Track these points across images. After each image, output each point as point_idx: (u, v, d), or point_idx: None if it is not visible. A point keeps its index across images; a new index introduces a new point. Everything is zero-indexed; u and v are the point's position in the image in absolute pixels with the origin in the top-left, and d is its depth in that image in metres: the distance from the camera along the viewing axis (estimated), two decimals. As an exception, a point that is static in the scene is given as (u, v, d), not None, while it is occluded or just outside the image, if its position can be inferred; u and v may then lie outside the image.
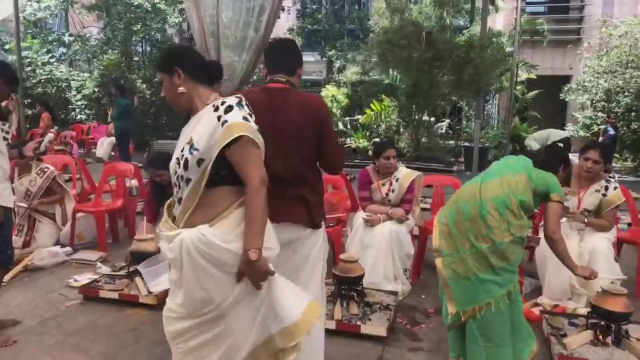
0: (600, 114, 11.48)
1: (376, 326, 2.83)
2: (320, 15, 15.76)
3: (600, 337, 2.69)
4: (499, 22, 15.81)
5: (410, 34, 10.36)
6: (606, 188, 3.43)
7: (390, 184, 3.74)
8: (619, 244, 3.70)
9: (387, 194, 3.74)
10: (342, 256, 3.19)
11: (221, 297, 1.66)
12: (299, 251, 2.06)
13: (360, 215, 3.73)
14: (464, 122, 13.43)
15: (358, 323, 2.86)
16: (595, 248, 3.22)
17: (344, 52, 14.11)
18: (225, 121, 1.65)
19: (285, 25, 15.07)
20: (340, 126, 13.34)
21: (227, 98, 1.75)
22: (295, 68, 2.16)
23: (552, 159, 2.67)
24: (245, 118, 1.68)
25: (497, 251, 2.39)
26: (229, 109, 1.68)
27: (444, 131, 13.59)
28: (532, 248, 3.68)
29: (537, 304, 3.30)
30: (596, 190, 3.45)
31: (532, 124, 13.76)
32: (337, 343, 2.75)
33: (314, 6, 15.91)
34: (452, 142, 13.00)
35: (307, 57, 16.11)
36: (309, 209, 2.07)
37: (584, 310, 2.99)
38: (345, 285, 3.07)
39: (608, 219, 3.45)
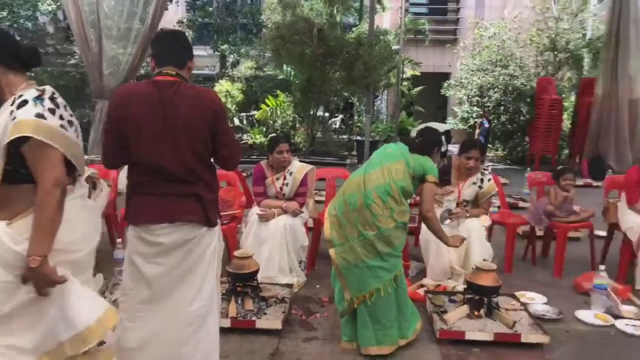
0: (475, 108, 12.56)
1: (271, 320, 2.86)
2: (211, 9, 15.35)
3: (475, 310, 2.97)
4: (385, 21, 16.61)
5: (302, 30, 10.51)
6: (482, 180, 3.76)
7: (284, 178, 3.78)
8: (490, 225, 4.09)
9: (281, 188, 3.77)
10: (236, 253, 3.17)
11: (2, 300, 1.57)
12: (194, 251, 2.00)
13: (255, 211, 3.72)
14: (356, 117, 13.94)
15: (253, 318, 2.86)
16: (471, 230, 3.53)
17: (237, 47, 13.89)
18: (15, 117, 1.55)
19: (174, 17, 14.45)
20: (236, 122, 13.15)
21: (28, 91, 1.62)
22: (185, 61, 2.07)
23: (426, 143, 2.89)
24: (39, 115, 1.56)
25: (382, 237, 2.55)
26: (23, 103, 1.57)
27: (337, 126, 13.99)
28: (417, 233, 3.96)
29: (422, 285, 3.55)
30: (473, 183, 3.77)
31: (417, 118, 14.69)
32: (232, 340, 2.73)
33: (204, -1, 15.46)
34: (345, 136, 13.43)
35: (199, 51, 15.58)
36: (203, 206, 2.01)
37: (461, 288, 3.27)
38: (240, 282, 3.05)
39: (484, 207, 3.81)
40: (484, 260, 3.28)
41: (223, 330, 2.68)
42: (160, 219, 1.94)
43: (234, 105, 12.30)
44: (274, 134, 11.60)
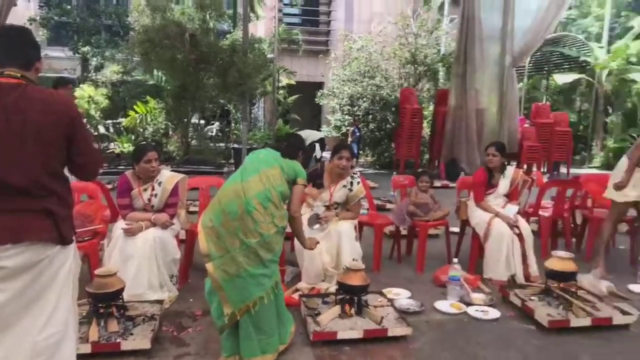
0: (347, 116, 13.20)
1: (139, 340, 2.68)
2: (70, 7, 14.10)
3: (347, 309, 3.10)
4: (260, 29, 16.74)
5: (173, 34, 10.14)
6: (351, 184, 3.94)
7: (153, 189, 3.59)
8: (360, 227, 4.31)
9: (149, 200, 3.58)
10: (97, 271, 2.92)
11: None
12: (44, 273, 1.79)
13: (120, 225, 3.47)
14: (233, 125, 13.81)
15: (118, 340, 2.66)
16: (341, 232, 3.68)
17: (101, 49, 12.93)
18: None
19: (25, 14, 13.02)
20: (102, 130, 12.21)
21: None
22: (32, 61, 1.86)
23: (292, 148, 2.99)
24: None
25: (265, 244, 2.54)
26: None
27: (214, 134, 13.72)
28: (293, 238, 4.02)
29: (297, 290, 3.61)
30: (343, 186, 3.95)
31: (293, 126, 15.00)
32: (95, 367, 2.52)
33: (60, -5, 14.14)
34: (222, 144, 13.22)
35: (56, 52, 14.18)
36: (56, 223, 1.80)
37: (333, 289, 3.39)
38: (103, 302, 2.82)
39: (354, 209, 4.00)
40: (354, 260, 3.45)
41: (83, 357, 2.47)
42: (1, 239, 1.72)
43: (98, 112, 11.40)
44: (140, 143, 11.00)
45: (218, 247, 2.52)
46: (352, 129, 12.44)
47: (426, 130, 12.19)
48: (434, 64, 12.62)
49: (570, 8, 16.09)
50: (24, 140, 1.74)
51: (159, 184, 3.60)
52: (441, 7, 16.73)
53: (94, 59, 13.07)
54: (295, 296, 3.46)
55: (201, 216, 2.70)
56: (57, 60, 13.85)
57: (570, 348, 2.92)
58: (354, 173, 4.08)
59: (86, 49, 13.02)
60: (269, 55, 13.06)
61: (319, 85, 16.48)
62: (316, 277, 3.66)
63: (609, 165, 12.28)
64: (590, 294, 3.56)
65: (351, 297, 3.12)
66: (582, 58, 14.26)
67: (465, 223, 4.52)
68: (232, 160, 11.86)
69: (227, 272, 2.50)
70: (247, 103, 11.37)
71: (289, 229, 2.88)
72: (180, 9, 11.13)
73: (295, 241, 3.77)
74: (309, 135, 10.19)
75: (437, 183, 8.31)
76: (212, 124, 13.76)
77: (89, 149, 1.96)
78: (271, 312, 2.63)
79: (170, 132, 12.07)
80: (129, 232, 3.35)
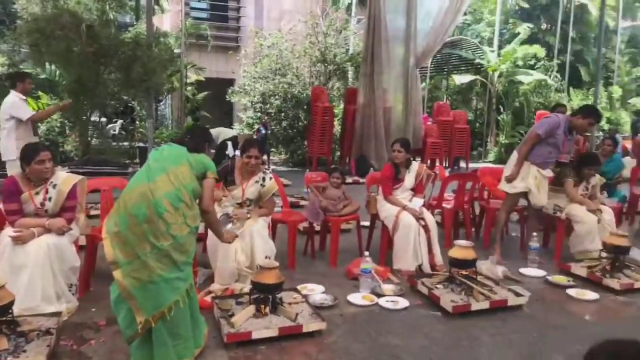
0: (259, 114, 13.08)
1: (33, 357, 2.44)
2: (-58, -10, 12.54)
3: (261, 308, 3.07)
4: (166, 23, 16.05)
5: (68, 25, 9.35)
6: (263, 179, 3.92)
7: (46, 192, 3.29)
8: (273, 224, 4.29)
9: (42, 204, 3.27)
10: (-19, 285, 2.62)
11: None
12: None
13: (7, 233, 3.14)
14: (138, 123, 13.11)
15: (9, 359, 2.41)
16: (253, 229, 3.62)
17: (-19, 39, 11.63)
18: None
19: None
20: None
21: None
22: None
23: (198, 141, 2.88)
24: None
25: (178, 246, 2.43)
26: None
27: (117, 132, 12.94)
28: (205, 239, 3.90)
29: (210, 292, 3.51)
30: (256, 182, 3.90)
31: (204, 124, 14.57)
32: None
33: None
34: (126, 143, 12.50)
35: None
36: None
37: (248, 289, 3.33)
38: (-11, 319, 2.54)
39: (267, 206, 3.97)
40: (267, 257, 3.42)
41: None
42: None
43: (-21, 109, 10.24)
44: (28, 143, 10.07)
45: (126, 252, 2.37)
46: (258, 127, 12.38)
47: (337, 128, 12.44)
48: (343, 63, 12.89)
49: (465, 14, 17.24)
50: None
51: (54, 186, 3.31)
52: (349, 8, 17.16)
53: (-27, 49, 11.72)
54: (208, 298, 3.36)
55: (105, 221, 2.51)
56: None
57: (472, 330, 3.13)
58: (265, 169, 4.06)
59: (-36, 37, 11.65)
60: (176, 50, 12.56)
61: (230, 82, 16.17)
62: (230, 277, 3.59)
63: (501, 159, 13.37)
64: (488, 278, 3.86)
65: (265, 296, 3.09)
66: (476, 60, 15.37)
67: (375, 217, 4.67)
68: (137, 160, 11.25)
69: (138, 279, 2.35)
70: (152, 100, 10.83)
71: (200, 230, 2.79)
72: (75, -3, 10.31)
73: (208, 242, 3.68)
74: (221, 132, 9.92)
75: (349, 179, 8.50)
76: (115, 122, 12.96)
77: None
78: (186, 315, 2.53)
79: (67, 131, 11.17)
80: (19, 240, 3.04)
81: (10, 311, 2.62)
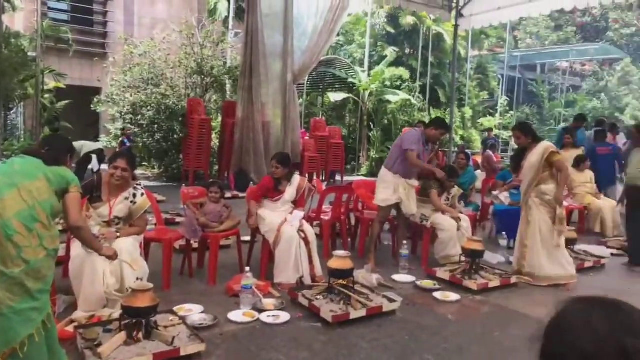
0: (129, 125, 12.26)
1: None
2: None
3: (134, 334, 2.84)
4: (18, 23, 14.39)
5: None
6: (134, 195, 3.65)
7: None
8: (146, 243, 4.01)
9: None
10: None
11: None
12: None
13: None
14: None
15: None
16: (122, 250, 3.34)
17: None
18: None
19: None
20: None
21: None
22: None
23: (57, 151, 2.61)
24: None
25: (32, 272, 2.11)
26: None
27: (-45, 143, 11.17)
28: (66, 262, 3.52)
29: (72, 321, 3.16)
30: (125, 198, 3.62)
31: (65, 135, 13.25)
32: None
33: None
34: (-33, 156, 10.85)
35: None
36: None
37: (117, 314, 3.07)
38: None
39: (139, 224, 3.70)
40: (138, 279, 3.19)
41: None
42: None
43: None
44: None
45: None
46: (121, 139, 11.66)
47: (215, 142, 12.16)
48: (220, 75, 12.69)
49: (339, 35, 18.12)
50: None
51: None
52: (226, 21, 17.02)
53: None
54: (70, 328, 3.02)
55: None
56: None
57: (352, 338, 3.23)
58: (137, 184, 3.79)
59: None
60: (31, 54, 11.32)
61: (96, 91, 14.96)
62: (97, 303, 3.27)
63: (373, 173, 14.17)
64: (365, 287, 4.02)
65: (138, 321, 2.87)
66: (349, 79, 16.21)
67: (255, 231, 4.62)
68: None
69: None
70: (1, 107, 9.60)
71: (61, 252, 2.49)
72: None
73: (71, 265, 3.32)
74: (84, 145, 9.14)
75: (228, 193, 8.34)
76: (-48, 132, 11.20)
77: None
78: (42, 350, 2.20)
79: None
80: None
81: None
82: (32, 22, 13.54)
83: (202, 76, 12.59)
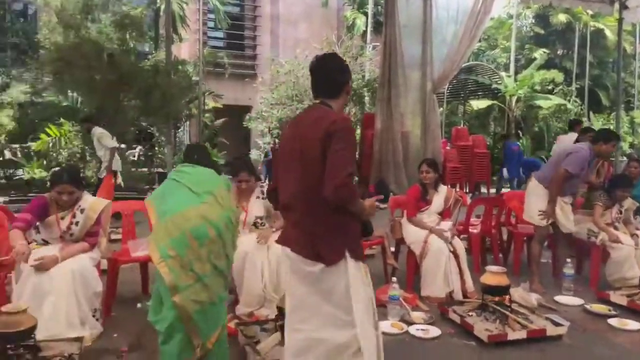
0: (277, 140, 13.13)
1: (55, 385, 2.36)
2: (-29, 23, 12.98)
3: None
4: (184, 52, 16.38)
5: (90, 53, 9.56)
6: (263, 192, 3.88)
7: (73, 216, 3.23)
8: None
9: (68, 228, 3.21)
10: (4, 307, 2.54)
11: None
12: None
13: (31, 258, 3.03)
14: (157, 149, 13.23)
15: (30, 387, 2.32)
16: (280, 252, 3.50)
17: (6, 68, 11.95)
18: None
19: None
20: (7, 154, 11.19)
21: None
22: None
23: (206, 160, 2.93)
24: None
25: (229, 265, 2.50)
26: None
27: (136, 158, 13.05)
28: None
29: (235, 317, 3.39)
30: (257, 198, 3.91)
31: (221, 150, 14.66)
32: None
33: (-39, 10, 12.99)
34: (145, 169, 12.60)
35: (-46, 70, 12.96)
36: None
37: (273, 315, 3.22)
38: (11, 343, 2.46)
39: (279, 217, 3.83)
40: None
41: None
42: None
43: (3, 135, 10.44)
44: (56, 168, 10.18)
45: (185, 276, 2.31)
46: (265, 151, 12.45)
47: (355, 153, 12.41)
48: (359, 88, 12.94)
49: (480, 40, 17.32)
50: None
51: (81, 210, 3.25)
52: (364, 35, 17.36)
53: (-1, 78, 12.06)
54: (232, 324, 3.24)
55: (154, 247, 2.37)
56: (-44, 78, 12.63)
57: (510, 361, 2.96)
58: (261, 184, 4.03)
59: (-11, 67, 12.00)
60: (194, 78, 12.75)
61: (247, 109, 16.33)
62: (257, 301, 3.48)
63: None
64: (523, 306, 3.67)
65: (293, 323, 2.97)
66: (493, 86, 15.34)
67: (400, 242, 4.54)
68: (155, 185, 11.29)
69: (199, 302, 2.31)
70: (171, 126, 10.94)
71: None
72: (97, 27, 10.58)
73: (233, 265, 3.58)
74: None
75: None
76: (134, 148, 13.09)
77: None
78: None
79: (88, 157, 11.30)
80: (42, 268, 2.94)
81: (32, 335, 2.54)
82: (195, 50, 15.31)
83: (342, 90, 12.96)
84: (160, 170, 11.35)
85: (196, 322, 2.30)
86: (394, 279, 3.74)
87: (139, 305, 3.67)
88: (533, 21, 17.92)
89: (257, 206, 3.82)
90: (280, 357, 2.73)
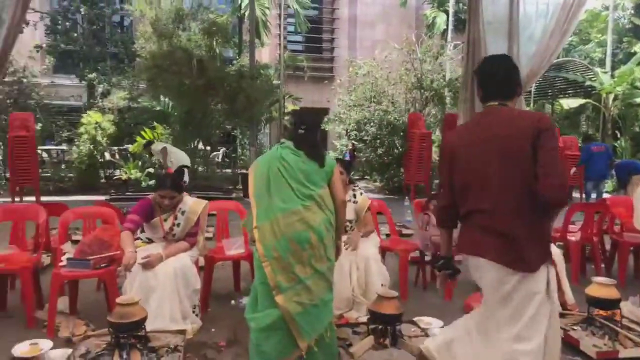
0: (354, 142, 13.13)
1: (166, 374, 2.50)
2: (76, 34, 14.21)
3: (380, 339, 2.92)
4: (264, 56, 16.89)
5: (181, 60, 10.15)
6: (354, 196, 3.84)
7: (175, 218, 3.42)
8: (382, 252, 4.14)
9: (171, 229, 3.41)
10: (119, 300, 2.74)
11: None
12: None
13: (139, 256, 3.24)
14: (239, 150, 13.73)
15: (144, 375, 2.48)
16: (368, 256, 3.52)
17: (107, 76, 12.97)
18: None
19: (30, 42, 13.11)
20: (107, 156, 12.15)
21: None
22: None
23: (313, 133, 2.77)
24: None
25: (332, 268, 2.52)
26: None
27: (220, 159, 13.64)
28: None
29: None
30: (348, 200, 3.82)
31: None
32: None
33: (67, 23, 14.23)
34: (229, 170, 13.12)
35: (62, 79, 14.27)
36: None
37: (364, 318, 3.21)
38: (124, 333, 2.65)
39: (368, 222, 3.85)
40: (382, 285, 3.29)
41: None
42: None
43: (105, 138, 11.34)
44: (151, 169, 10.91)
45: (288, 277, 2.39)
46: (344, 153, 12.45)
47: (435, 155, 12.09)
48: (440, 88, 12.61)
49: (571, 35, 16.24)
50: None
51: (182, 212, 3.44)
52: (444, 34, 16.90)
53: (100, 85, 13.10)
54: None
55: (259, 246, 2.45)
56: (64, 87, 13.91)
57: (623, 381, 2.73)
58: (354, 186, 3.96)
59: (92, 75, 13.07)
60: (275, 82, 13.08)
61: (325, 111, 16.50)
62: (345, 304, 3.48)
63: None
64: (633, 322, 3.38)
65: (385, 327, 2.94)
66: (587, 83, 14.30)
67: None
68: (239, 186, 11.73)
69: (301, 303, 2.37)
70: (255, 128, 11.31)
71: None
72: (186, 35, 11.20)
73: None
74: (173, 153, 8.63)
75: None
76: (218, 150, 13.69)
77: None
78: (334, 336, 2.58)
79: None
80: (148, 266, 3.14)
81: (142, 326, 2.72)
82: (275, 55, 15.73)
83: (422, 90, 12.70)
84: (243, 171, 11.77)
85: (298, 324, 2.34)
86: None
87: (232, 302, 3.82)
88: (632, 12, 16.48)
89: (348, 208, 3.80)
90: (372, 360, 2.72)
